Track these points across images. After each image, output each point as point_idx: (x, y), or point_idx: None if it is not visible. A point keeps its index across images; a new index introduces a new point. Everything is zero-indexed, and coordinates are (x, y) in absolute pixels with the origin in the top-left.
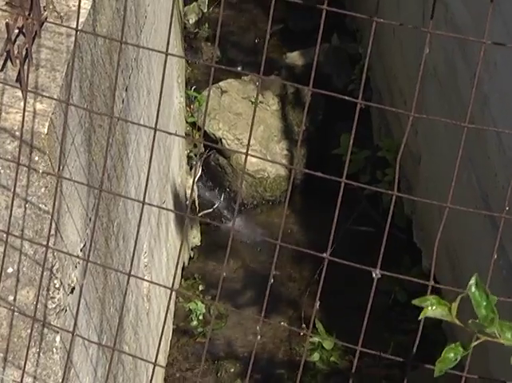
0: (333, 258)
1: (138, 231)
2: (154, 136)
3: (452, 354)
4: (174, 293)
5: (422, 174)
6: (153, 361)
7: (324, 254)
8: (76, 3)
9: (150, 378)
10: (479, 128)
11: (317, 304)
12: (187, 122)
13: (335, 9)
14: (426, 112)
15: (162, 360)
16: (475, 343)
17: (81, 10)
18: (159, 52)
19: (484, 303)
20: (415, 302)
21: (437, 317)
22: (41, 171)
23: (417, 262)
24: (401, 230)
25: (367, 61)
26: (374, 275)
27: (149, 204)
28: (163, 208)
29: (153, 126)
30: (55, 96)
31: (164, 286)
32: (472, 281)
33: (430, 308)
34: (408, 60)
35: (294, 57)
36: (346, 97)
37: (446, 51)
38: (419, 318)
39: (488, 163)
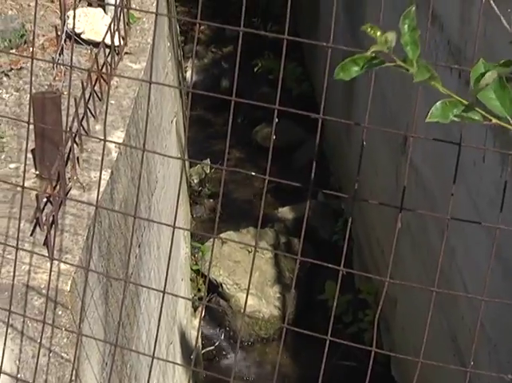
0: None
1: (150, 373)
2: (162, 298)
3: None
4: None
5: (398, 314)
6: None
7: None
8: (97, 174)
9: None
10: (446, 292)
11: None
12: (191, 269)
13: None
14: (401, 261)
15: None
16: None
17: (101, 181)
18: (166, 225)
19: None
20: None
21: None
22: (63, 329)
23: None
24: (381, 364)
25: (349, 226)
26: None
27: (159, 359)
28: (171, 362)
29: (163, 277)
30: (77, 258)
31: None
32: None
33: None
34: (384, 215)
35: (285, 212)
36: (329, 265)
37: (418, 209)
38: None
39: (456, 307)
